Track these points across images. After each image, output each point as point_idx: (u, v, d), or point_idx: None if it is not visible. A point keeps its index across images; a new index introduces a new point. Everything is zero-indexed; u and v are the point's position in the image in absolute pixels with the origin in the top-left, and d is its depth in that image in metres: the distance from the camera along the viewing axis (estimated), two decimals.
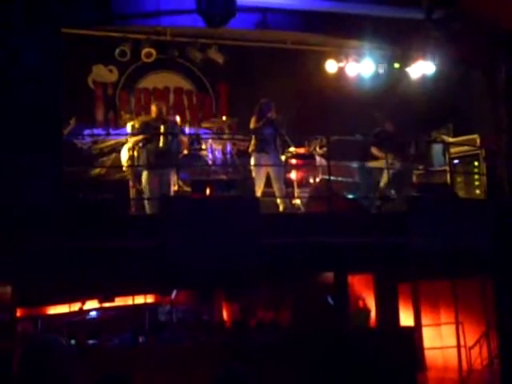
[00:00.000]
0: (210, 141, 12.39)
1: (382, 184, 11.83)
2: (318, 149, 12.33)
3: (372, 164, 12.14)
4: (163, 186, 10.70)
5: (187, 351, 10.68)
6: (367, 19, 11.81)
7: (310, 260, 10.05)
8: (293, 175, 12.06)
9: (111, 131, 13.26)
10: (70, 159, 10.88)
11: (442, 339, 13.26)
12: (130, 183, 10.94)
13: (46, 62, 9.75)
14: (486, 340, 12.83)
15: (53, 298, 11.18)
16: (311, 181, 12.09)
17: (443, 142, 13.30)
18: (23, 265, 8.82)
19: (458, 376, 12.43)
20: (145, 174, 10.91)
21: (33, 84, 9.57)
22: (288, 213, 11.20)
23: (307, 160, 12.28)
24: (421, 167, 13.18)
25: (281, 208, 11.35)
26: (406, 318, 12.66)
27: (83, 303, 11.62)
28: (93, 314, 11.90)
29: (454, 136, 13.44)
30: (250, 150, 11.63)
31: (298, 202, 11.84)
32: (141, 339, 11.28)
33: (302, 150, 12.30)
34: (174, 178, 10.95)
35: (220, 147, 12.46)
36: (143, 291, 12.11)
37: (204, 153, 12.17)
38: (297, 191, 11.98)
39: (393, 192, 11.96)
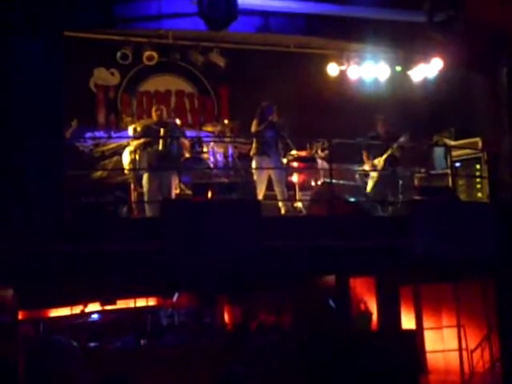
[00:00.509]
0: (211, 144, 12.39)
1: (368, 188, 11.84)
2: (319, 152, 12.33)
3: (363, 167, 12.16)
4: (164, 189, 10.69)
5: (189, 354, 10.67)
6: (369, 22, 11.82)
7: (311, 263, 10.05)
8: (294, 178, 12.07)
9: (113, 134, 13.27)
10: (71, 162, 10.88)
11: (443, 342, 13.25)
12: (132, 186, 10.94)
13: (48, 64, 9.77)
14: (487, 343, 12.82)
15: (54, 300, 11.18)
16: (313, 184, 12.10)
17: (445, 145, 13.29)
18: (25, 267, 8.82)
19: (459, 379, 12.42)
20: (145, 177, 10.91)
21: (35, 87, 9.59)
22: (290, 216, 11.20)
23: (309, 163, 12.29)
24: (422, 170, 13.19)
25: (282, 211, 11.35)
26: (408, 321, 12.64)
27: (85, 306, 11.62)
28: (94, 316, 11.90)
29: (455, 139, 13.43)
30: (251, 153, 11.63)
31: (299, 205, 11.84)
32: (143, 342, 11.28)
33: (303, 153, 12.30)
34: (175, 182, 10.96)
35: (222, 150, 12.45)
36: (145, 294, 12.10)
37: (205, 156, 12.17)
38: (298, 194, 11.98)
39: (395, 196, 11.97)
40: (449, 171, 12.57)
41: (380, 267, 10.75)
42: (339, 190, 11.45)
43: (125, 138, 12.40)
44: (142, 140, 11.26)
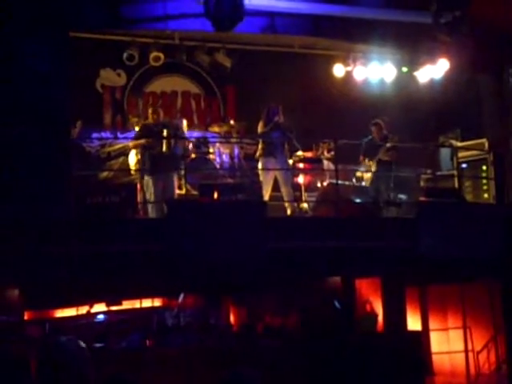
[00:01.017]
0: (217, 144, 12.39)
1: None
2: (325, 153, 12.32)
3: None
4: (166, 190, 10.68)
5: (194, 354, 10.67)
6: (375, 23, 11.81)
7: (317, 264, 10.04)
8: (300, 179, 12.06)
9: (119, 135, 13.28)
10: (78, 162, 10.89)
11: (449, 344, 13.23)
12: (138, 187, 10.95)
13: (54, 65, 9.78)
14: (493, 345, 12.80)
15: (60, 301, 11.20)
16: (319, 185, 12.09)
17: (451, 146, 13.27)
18: (31, 268, 8.84)
19: (465, 381, 12.40)
20: (146, 179, 10.89)
21: (41, 87, 9.60)
22: (295, 217, 11.20)
23: (315, 164, 12.29)
24: (429, 171, 13.18)
25: (288, 212, 11.35)
26: (414, 323, 12.64)
27: (91, 306, 11.63)
28: (100, 317, 11.91)
29: (462, 140, 13.41)
30: (257, 154, 11.61)
31: (305, 206, 11.84)
32: (148, 342, 11.28)
33: (309, 154, 12.30)
34: (177, 182, 10.96)
35: (227, 151, 12.45)
36: (151, 295, 12.11)
37: (211, 157, 12.17)
38: (304, 195, 11.98)
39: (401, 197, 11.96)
40: (455, 172, 12.56)
41: (386, 268, 10.74)
42: (345, 191, 11.44)
43: (131, 138, 12.40)
44: (140, 141, 11.21)
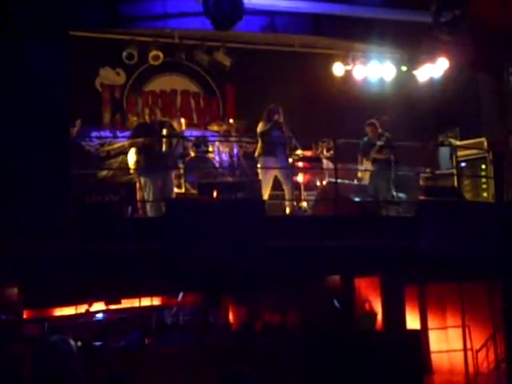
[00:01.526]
0: (216, 143, 12.40)
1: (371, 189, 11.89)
2: (324, 152, 12.33)
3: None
4: (165, 189, 10.66)
5: (194, 353, 10.67)
6: (375, 22, 11.82)
7: (316, 263, 10.05)
8: (300, 178, 12.07)
9: (118, 134, 13.29)
10: (77, 161, 10.90)
11: (448, 342, 13.22)
12: (137, 186, 10.94)
13: (54, 64, 9.77)
14: (492, 343, 12.80)
15: (59, 299, 11.19)
16: (318, 184, 12.10)
17: (450, 145, 13.28)
18: (30, 267, 8.84)
19: (464, 379, 12.40)
20: (144, 178, 10.87)
21: (40, 86, 9.60)
22: (295, 216, 11.20)
23: (314, 163, 12.29)
24: (428, 170, 13.18)
25: (288, 211, 11.35)
26: (413, 321, 12.63)
27: (90, 305, 11.63)
28: (99, 316, 11.90)
29: (461, 139, 13.42)
30: (256, 153, 11.60)
31: (304, 204, 11.85)
32: (147, 341, 11.27)
33: (308, 153, 12.31)
34: (175, 181, 10.95)
35: (227, 150, 12.46)
36: (150, 293, 12.11)
37: (211, 155, 12.18)
38: (303, 194, 11.99)
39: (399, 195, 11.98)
40: (454, 171, 12.56)
41: (385, 267, 10.74)
42: (344, 190, 11.44)
43: (129, 137, 12.40)
44: (137, 140, 11.19)
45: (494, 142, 12.73)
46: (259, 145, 11.59)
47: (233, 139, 12.90)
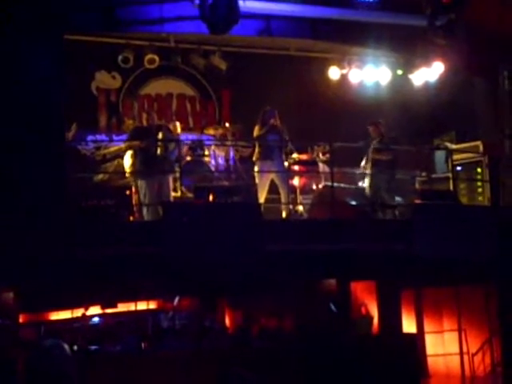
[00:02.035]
0: (212, 147, 12.39)
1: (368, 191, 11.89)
2: (320, 155, 12.33)
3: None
4: (161, 193, 10.66)
5: (190, 357, 10.66)
6: (370, 26, 11.84)
7: (312, 267, 10.05)
8: (296, 182, 12.07)
9: (114, 137, 13.27)
10: (73, 165, 10.88)
11: (444, 346, 13.23)
12: (133, 189, 10.94)
13: (49, 67, 9.76)
14: (489, 347, 12.80)
15: (55, 303, 11.18)
16: (314, 187, 12.10)
17: (446, 148, 13.29)
18: (26, 271, 8.82)
19: (460, 383, 12.41)
20: (140, 182, 10.87)
21: (36, 89, 9.58)
22: (291, 219, 11.20)
23: (310, 166, 12.30)
24: (423, 174, 13.19)
25: (284, 214, 11.35)
26: (409, 325, 12.63)
27: (86, 309, 11.60)
28: (95, 320, 11.88)
29: (456, 143, 13.44)
30: (254, 158, 11.62)
31: (300, 208, 11.84)
32: (143, 345, 11.26)
33: (304, 157, 12.31)
34: (172, 184, 10.95)
35: (223, 154, 12.46)
36: (146, 297, 12.10)
37: (207, 159, 12.17)
38: (299, 198, 11.99)
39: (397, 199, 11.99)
40: (450, 175, 12.57)
41: (381, 271, 10.74)
42: (340, 194, 11.44)
43: (125, 141, 12.39)
44: (133, 143, 11.20)
45: (490, 145, 12.75)
46: (256, 149, 11.60)
47: (229, 143, 12.90)
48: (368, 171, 11.93)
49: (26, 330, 10.96)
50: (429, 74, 13.03)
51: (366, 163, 11.99)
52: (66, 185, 9.78)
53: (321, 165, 12.32)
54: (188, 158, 11.93)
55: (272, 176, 11.39)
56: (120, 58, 12.77)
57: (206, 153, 12.24)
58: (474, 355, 12.85)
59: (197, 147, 12.16)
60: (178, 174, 11.29)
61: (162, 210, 9.78)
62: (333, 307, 11.62)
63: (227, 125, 13.35)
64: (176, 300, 12.00)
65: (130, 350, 11.07)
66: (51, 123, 9.74)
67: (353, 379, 10.44)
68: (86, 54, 12.44)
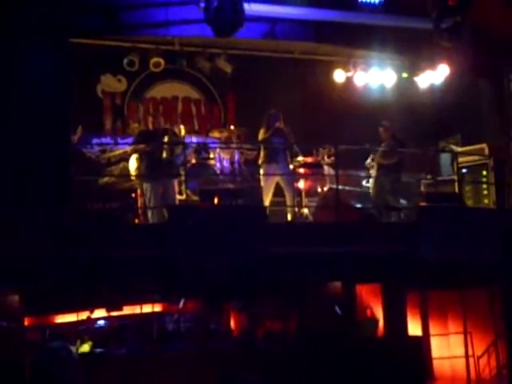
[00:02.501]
0: (217, 150, 12.40)
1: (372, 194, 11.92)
2: (326, 158, 12.34)
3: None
4: (166, 196, 10.68)
5: (195, 360, 10.67)
6: (375, 29, 11.83)
7: (317, 269, 10.04)
8: (301, 184, 12.07)
9: (119, 140, 13.30)
10: (78, 168, 10.90)
11: (450, 349, 13.20)
12: (139, 192, 10.96)
13: (55, 71, 9.80)
14: (494, 350, 12.77)
15: (61, 306, 11.19)
16: (319, 190, 12.10)
17: (451, 151, 13.28)
18: (31, 273, 8.84)
19: None
20: (145, 185, 10.89)
21: (42, 93, 9.61)
22: (296, 222, 11.20)
23: (315, 169, 12.29)
24: (429, 177, 13.18)
25: (289, 217, 11.35)
26: (414, 328, 12.61)
27: (91, 312, 11.62)
28: (101, 322, 11.89)
29: (462, 145, 13.42)
30: (260, 161, 11.64)
31: (306, 211, 11.84)
32: (148, 348, 11.27)
33: (309, 159, 12.31)
34: (176, 188, 10.97)
35: (228, 156, 12.47)
36: (151, 300, 12.11)
37: (212, 162, 12.18)
38: (305, 200, 11.99)
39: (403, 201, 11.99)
40: (455, 177, 12.56)
41: (387, 274, 10.73)
42: (346, 196, 11.44)
43: (131, 144, 12.42)
44: (139, 146, 11.22)
45: (495, 148, 12.73)
46: (262, 153, 11.62)
47: (234, 146, 12.91)
48: (373, 173, 11.94)
49: (32, 333, 10.97)
50: (434, 76, 13.02)
51: (371, 162, 12.02)
52: (71, 188, 9.80)
53: (326, 167, 12.32)
54: (193, 161, 11.95)
55: (277, 179, 11.40)
56: (125, 61, 12.78)
57: (211, 156, 12.25)
58: (479, 358, 12.83)
59: (202, 150, 12.17)
60: (183, 177, 11.31)
61: (167, 212, 9.79)
62: (338, 310, 11.61)
63: (232, 127, 13.36)
64: (181, 303, 12.01)
65: (135, 352, 11.08)
66: (56, 126, 9.76)
67: (358, 382, 10.42)
68: (92, 57, 12.47)
